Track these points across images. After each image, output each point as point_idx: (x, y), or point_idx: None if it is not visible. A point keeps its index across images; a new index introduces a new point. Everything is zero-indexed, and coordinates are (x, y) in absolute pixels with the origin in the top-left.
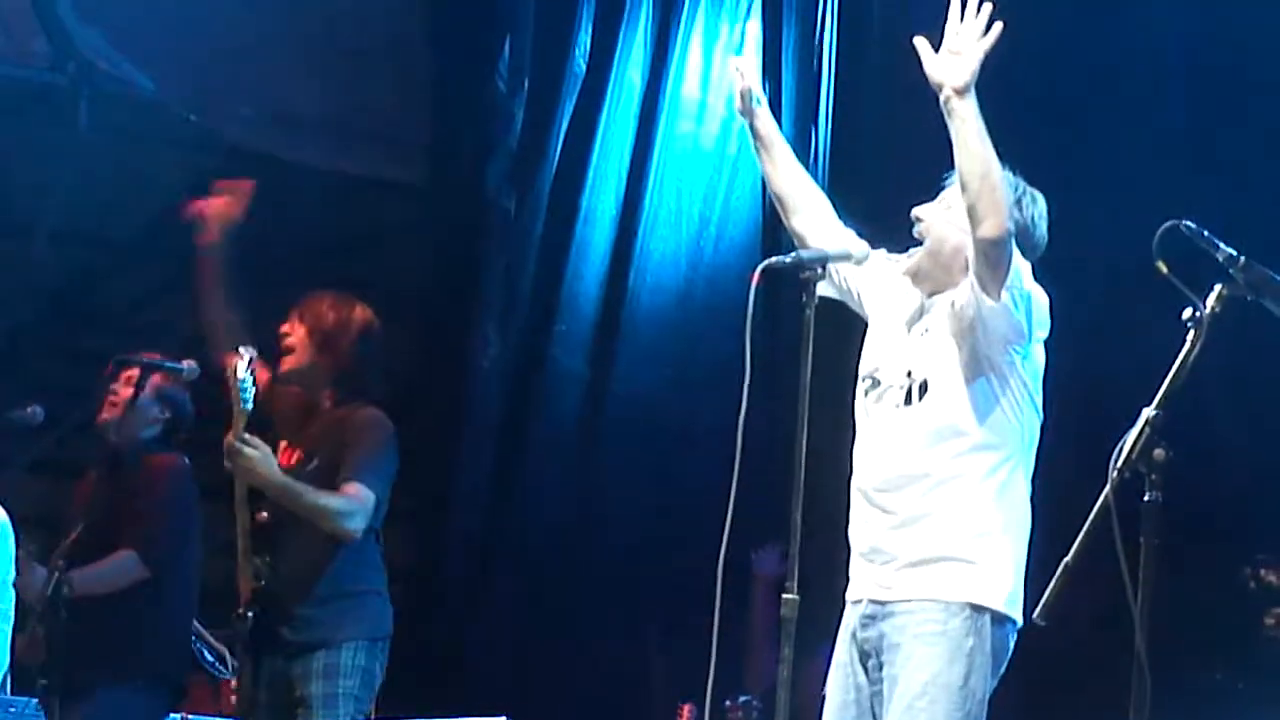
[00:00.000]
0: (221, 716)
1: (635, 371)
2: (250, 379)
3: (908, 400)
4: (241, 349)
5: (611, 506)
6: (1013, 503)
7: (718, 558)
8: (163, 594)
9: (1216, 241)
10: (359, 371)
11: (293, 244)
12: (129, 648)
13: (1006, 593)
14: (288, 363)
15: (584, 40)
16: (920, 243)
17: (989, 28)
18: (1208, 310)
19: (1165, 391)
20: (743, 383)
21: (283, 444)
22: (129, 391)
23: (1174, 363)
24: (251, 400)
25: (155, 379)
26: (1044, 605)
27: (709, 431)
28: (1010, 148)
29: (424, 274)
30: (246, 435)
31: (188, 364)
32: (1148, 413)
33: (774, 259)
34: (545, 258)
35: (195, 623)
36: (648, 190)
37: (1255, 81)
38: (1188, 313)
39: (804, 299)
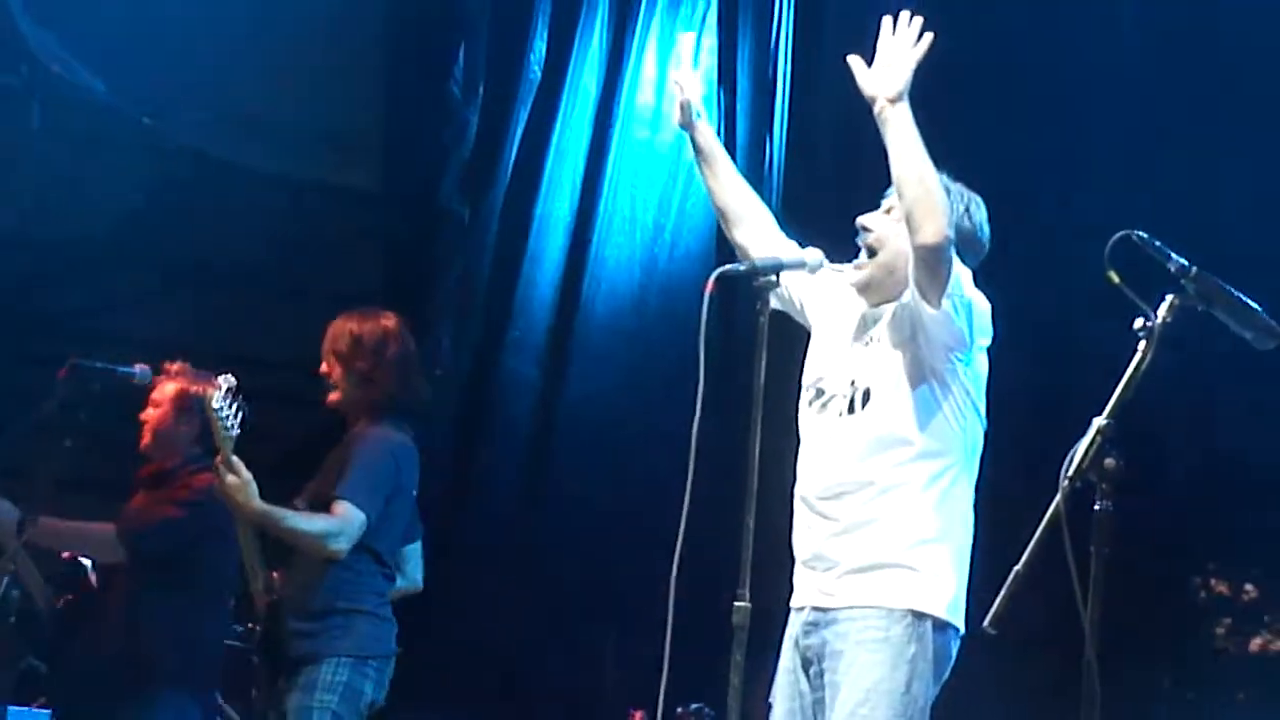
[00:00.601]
0: None
1: (589, 377)
2: (228, 406)
3: (850, 409)
4: (220, 379)
5: (565, 511)
6: (955, 510)
7: (671, 563)
8: (190, 605)
9: (1168, 251)
10: (402, 385)
11: (247, 248)
12: (153, 658)
13: (948, 600)
14: (333, 398)
15: (539, 47)
16: (866, 251)
17: (920, 38)
18: (1159, 320)
19: (1116, 401)
20: (696, 389)
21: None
22: (153, 415)
23: (1125, 373)
24: (236, 426)
25: (173, 394)
26: (994, 613)
27: (662, 437)
28: (958, 151)
29: (378, 280)
30: (233, 460)
31: (140, 368)
32: (1099, 422)
33: (728, 266)
34: (499, 264)
35: None
36: (602, 197)
37: (1213, 82)
38: (1139, 323)
39: (758, 306)
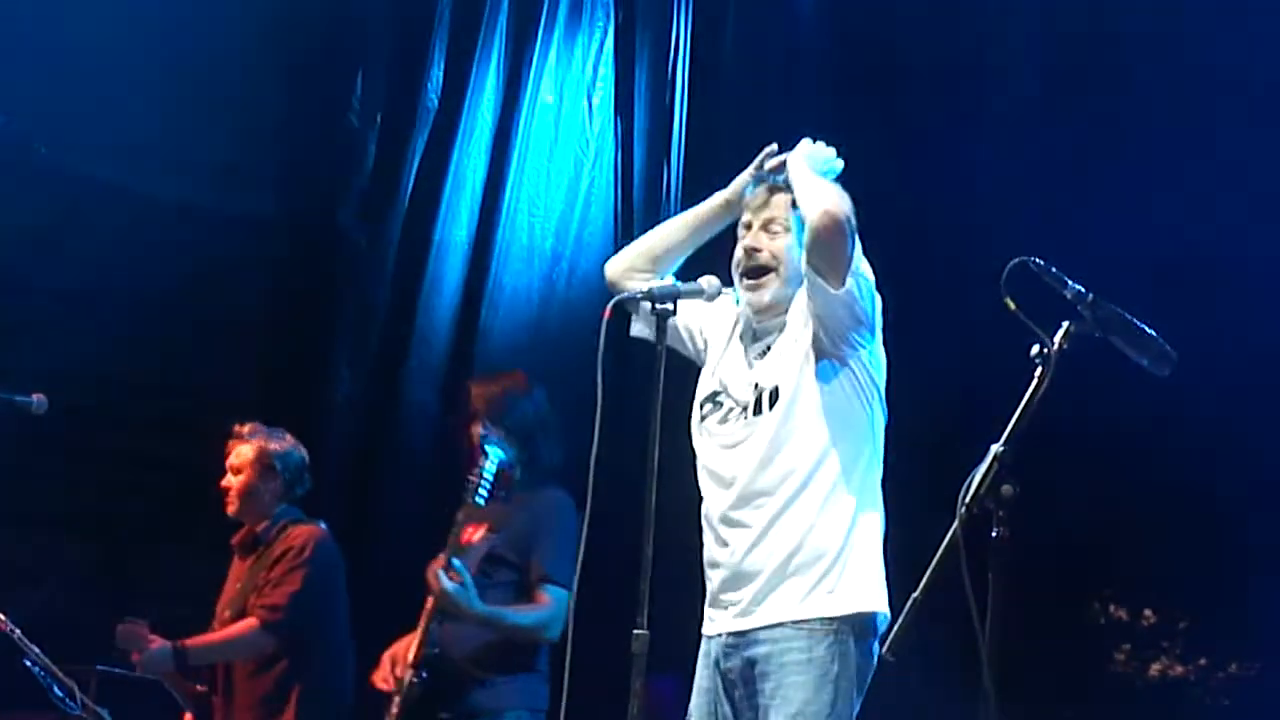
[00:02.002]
0: None
1: None
2: (491, 479)
3: (757, 410)
4: (488, 448)
5: None
6: (868, 498)
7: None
8: (305, 666)
9: (1064, 278)
10: (557, 442)
11: (144, 276)
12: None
13: (868, 592)
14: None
15: (436, 75)
16: (757, 270)
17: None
18: (1055, 347)
19: (1013, 428)
20: (594, 416)
21: (470, 525)
22: (234, 481)
23: (1022, 399)
24: (485, 500)
25: (254, 455)
26: (892, 640)
27: (562, 465)
28: (856, 170)
29: (276, 308)
30: (455, 562)
31: (37, 398)
32: (996, 449)
33: (626, 294)
34: (398, 291)
35: (44, 657)
36: (500, 224)
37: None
38: (1035, 349)
39: (656, 334)
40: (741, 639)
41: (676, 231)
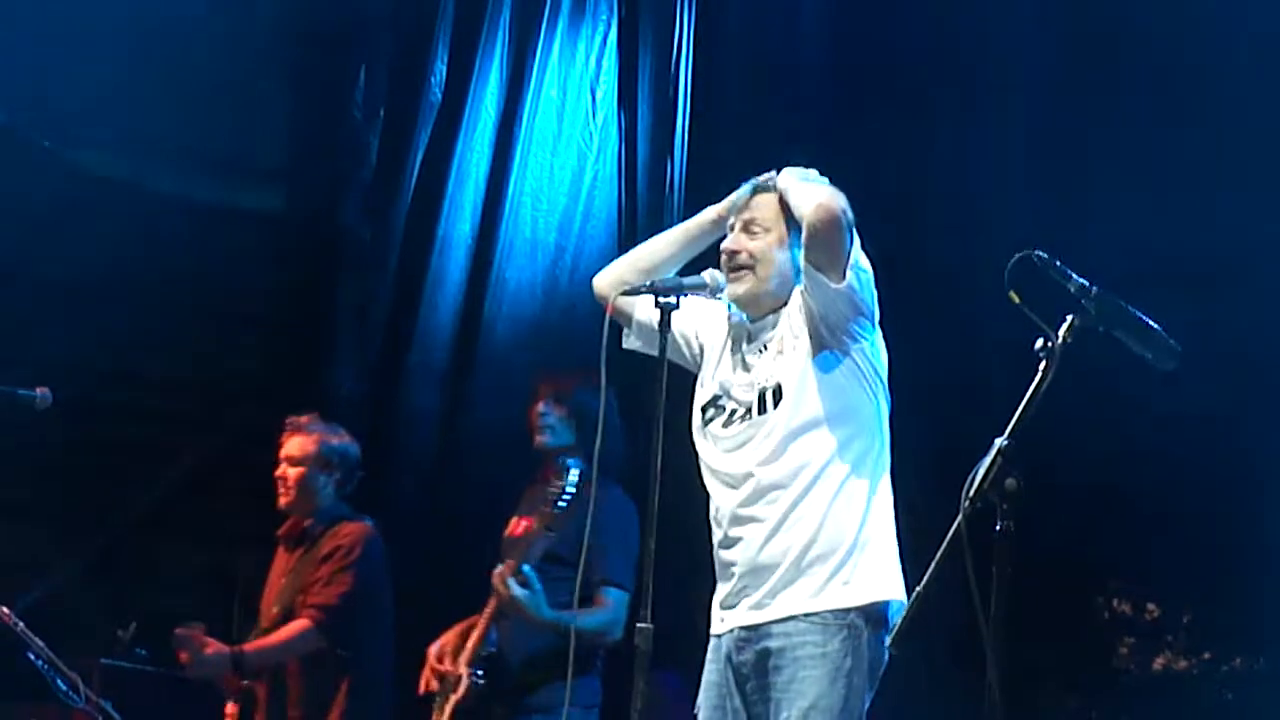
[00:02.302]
0: None
1: (492, 400)
2: (572, 495)
3: (762, 408)
4: (570, 463)
5: (469, 536)
6: (879, 487)
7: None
8: (354, 660)
9: (1068, 272)
10: (593, 427)
11: (147, 270)
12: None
13: (883, 580)
14: (545, 441)
15: (440, 70)
16: (740, 270)
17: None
18: (1059, 341)
19: (1017, 421)
20: (598, 411)
21: (526, 519)
22: (291, 472)
23: (1026, 393)
24: (565, 509)
25: (315, 448)
26: (897, 634)
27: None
28: (858, 165)
29: (278, 302)
30: (525, 568)
31: (41, 392)
32: (1000, 442)
33: (630, 286)
34: (401, 287)
35: (48, 650)
36: (504, 219)
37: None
38: (1040, 343)
39: (660, 327)
40: (754, 632)
41: (667, 246)
